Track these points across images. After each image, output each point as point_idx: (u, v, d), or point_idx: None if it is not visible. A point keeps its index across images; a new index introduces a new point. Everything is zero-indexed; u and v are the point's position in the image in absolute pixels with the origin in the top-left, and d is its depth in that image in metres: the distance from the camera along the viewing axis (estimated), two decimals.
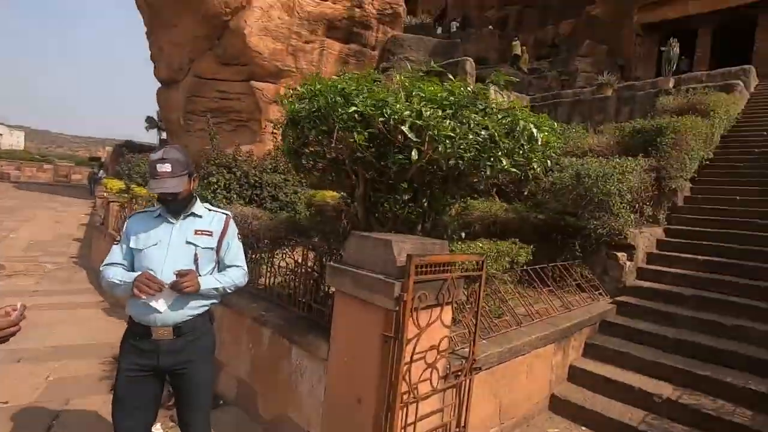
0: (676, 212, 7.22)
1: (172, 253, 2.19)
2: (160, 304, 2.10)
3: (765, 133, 9.43)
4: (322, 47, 18.83)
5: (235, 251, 2.41)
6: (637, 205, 6.44)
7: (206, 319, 2.34)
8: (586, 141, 8.73)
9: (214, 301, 2.35)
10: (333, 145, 2.96)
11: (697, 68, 18.41)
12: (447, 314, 2.90)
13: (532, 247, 5.10)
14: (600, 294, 5.61)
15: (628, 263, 5.83)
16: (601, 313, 5.19)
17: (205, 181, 5.72)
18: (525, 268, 4.97)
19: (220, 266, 2.39)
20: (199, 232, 2.28)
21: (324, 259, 3.78)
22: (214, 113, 18.21)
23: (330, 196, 8.24)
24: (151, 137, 37.17)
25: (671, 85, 11.98)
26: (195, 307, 2.23)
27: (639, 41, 20.02)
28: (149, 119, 34.05)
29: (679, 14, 18.58)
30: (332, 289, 3.09)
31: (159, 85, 20.19)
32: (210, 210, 2.43)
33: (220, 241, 2.34)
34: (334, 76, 3.21)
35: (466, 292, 3.39)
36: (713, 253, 5.93)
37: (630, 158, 6.43)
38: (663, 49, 14.52)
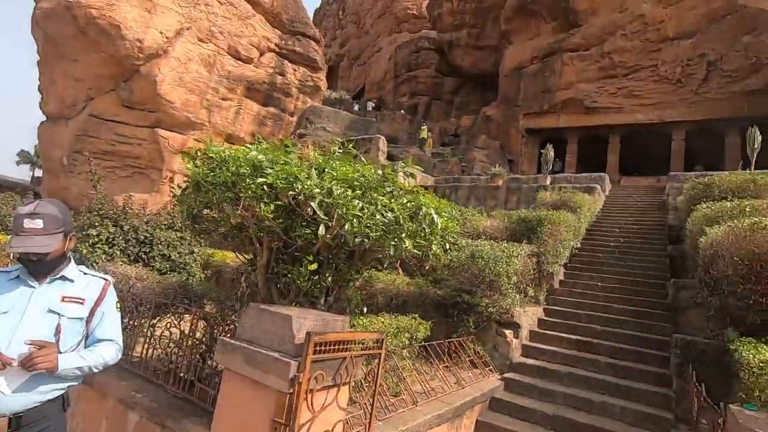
0: (553, 294, 8.11)
1: (26, 324, 1.83)
2: (1, 385, 1.71)
3: (617, 230, 11.34)
4: (240, 106, 18.83)
5: (109, 323, 2.09)
6: (521, 286, 7.12)
7: (59, 405, 1.94)
8: (481, 223, 9.61)
9: (73, 383, 1.98)
10: (239, 212, 2.88)
11: (568, 170, 21.98)
12: (344, 395, 2.80)
13: (430, 322, 5.31)
14: (490, 370, 5.90)
15: (514, 341, 6.29)
16: (491, 390, 5.42)
17: (83, 233, 5.05)
18: (423, 344, 5.11)
19: (89, 340, 2.05)
20: (68, 299, 1.96)
21: (216, 331, 3.47)
22: (107, 156, 16.70)
23: (231, 257, 7.79)
24: (21, 173, 32.39)
25: (548, 182, 14.02)
26: (47, 391, 1.84)
27: (524, 141, 23.45)
28: (23, 153, 29.88)
29: (552, 125, 22.38)
30: (221, 365, 2.82)
31: (43, 118, 18.09)
32: (86, 274, 2.12)
33: (92, 311, 2.03)
34: (247, 145, 3.21)
35: (364, 370, 3.34)
36: (582, 333, 6.70)
37: (516, 243, 7.21)
38: (542, 151, 17.20)
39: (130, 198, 5.79)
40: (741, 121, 18.33)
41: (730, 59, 17.91)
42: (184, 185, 3.48)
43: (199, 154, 3.14)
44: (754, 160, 12.21)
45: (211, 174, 2.85)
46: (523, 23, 24.43)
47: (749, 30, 17.12)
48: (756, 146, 11.89)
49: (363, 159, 4.22)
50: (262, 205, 2.74)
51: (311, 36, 21.51)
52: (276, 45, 19.94)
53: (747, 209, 6.18)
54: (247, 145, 3.27)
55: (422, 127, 24.33)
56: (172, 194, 3.59)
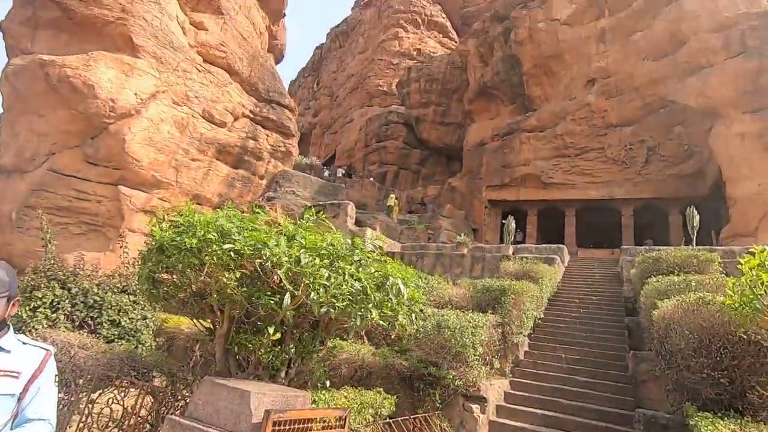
0: (518, 365, 8.04)
1: None
2: None
3: (577, 300, 11.65)
4: (209, 168, 18.83)
5: (44, 400, 1.87)
6: (487, 357, 7.04)
7: None
8: (446, 291, 9.65)
9: None
10: (202, 278, 2.80)
11: (528, 240, 22.87)
12: None
13: (396, 396, 5.09)
14: None
15: (481, 416, 6.08)
16: None
17: (26, 295, 4.68)
18: (388, 420, 4.85)
19: (17, 420, 1.83)
20: (1, 373, 1.78)
21: (164, 408, 3.19)
22: (62, 212, 15.96)
23: (186, 323, 7.34)
24: None
25: (511, 252, 14.48)
26: None
27: (487, 212, 24.46)
28: None
29: (513, 197, 23.63)
30: None
31: None
32: (24, 343, 1.94)
33: (27, 386, 1.83)
34: (216, 210, 3.20)
35: None
36: (549, 407, 6.59)
37: (481, 314, 7.24)
38: (503, 222, 17.95)
39: (82, 258, 5.48)
40: (681, 201, 20.05)
41: (666, 146, 19.99)
42: (144, 247, 3.37)
43: (166, 217, 3.10)
44: (695, 237, 13.19)
45: (178, 238, 2.79)
46: (484, 105, 26.61)
47: (680, 122, 19.36)
48: (695, 225, 12.92)
49: (331, 226, 4.27)
50: (227, 273, 2.68)
51: (286, 105, 22.40)
52: (251, 111, 20.56)
53: (693, 283, 6.59)
54: (216, 209, 3.27)
55: (390, 195, 25.03)
56: (125, 255, 3.45)
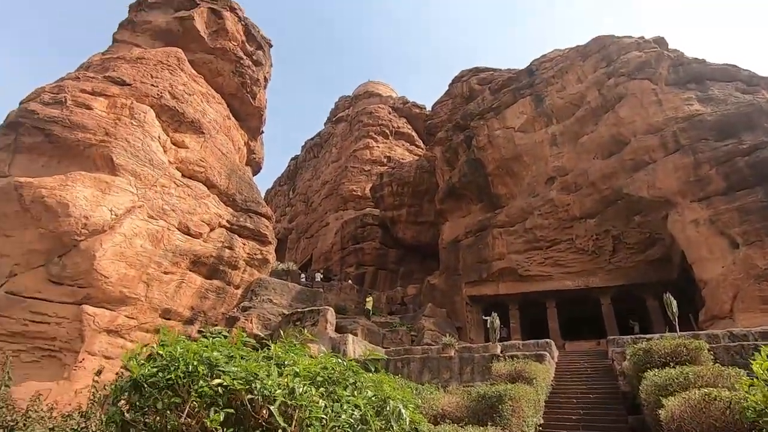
0: None
1: None
2: None
3: (574, 400, 11.05)
4: (182, 280, 18.22)
5: None
6: None
7: None
8: (439, 401, 9.01)
9: None
10: (182, 420, 2.50)
11: (513, 335, 22.32)
12: None
13: None
14: None
15: None
16: None
17: None
18: None
19: None
20: None
21: None
22: (14, 338, 14.68)
23: None
24: None
25: (499, 351, 13.99)
26: None
27: (469, 309, 24.12)
28: None
29: (493, 292, 23.61)
30: None
31: None
32: None
33: None
34: (200, 338, 2.99)
35: None
36: None
37: (481, 427, 6.68)
38: (486, 318, 17.64)
39: (38, 398, 4.86)
40: (654, 285, 20.52)
41: (630, 234, 21.06)
42: (106, 371, 3.03)
43: (143, 350, 2.86)
44: (677, 323, 13.25)
45: (158, 374, 2.54)
46: (455, 204, 27.92)
47: (637, 211, 20.71)
48: (675, 311, 13.06)
49: (309, 335, 4.13)
50: (212, 412, 2.41)
51: (263, 213, 22.78)
52: (227, 221, 20.71)
53: (690, 376, 6.43)
54: (200, 338, 3.05)
55: (368, 298, 24.59)
56: (92, 389, 3.10)
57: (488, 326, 16.81)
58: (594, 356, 15.77)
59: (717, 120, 18.60)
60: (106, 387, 3.07)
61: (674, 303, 13.24)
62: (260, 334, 17.55)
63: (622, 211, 21.11)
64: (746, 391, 3.13)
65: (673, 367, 7.52)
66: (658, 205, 19.38)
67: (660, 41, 23.27)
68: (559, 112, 23.90)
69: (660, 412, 5.52)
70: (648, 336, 13.95)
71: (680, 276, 19.56)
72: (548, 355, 13.81)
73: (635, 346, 9.96)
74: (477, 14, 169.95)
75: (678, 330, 13.17)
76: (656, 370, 7.72)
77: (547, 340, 15.75)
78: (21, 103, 17.49)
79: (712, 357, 9.04)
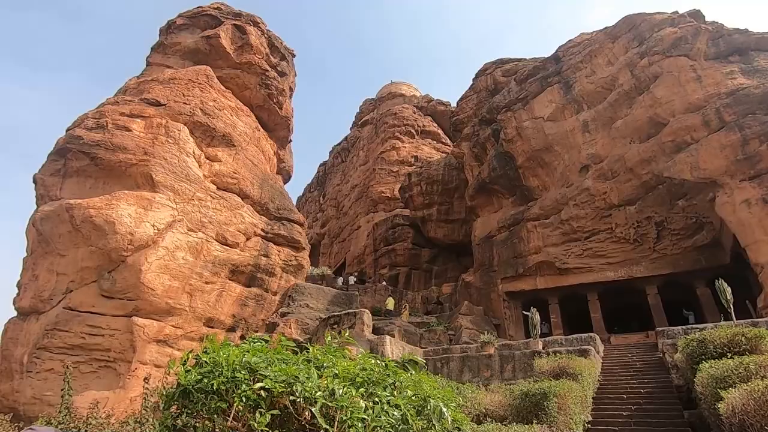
0: None
1: None
2: None
3: (624, 396, 10.60)
4: (223, 289, 18.84)
5: None
6: None
7: None
8: (481, 400, 8.88)
9: None
10: (229, 423, 2.58)
11: (555, 331, 21.69)
12: None
13: None
14: None
15: None
16: None
17: None
18: None
19: None
20: None
21: None
22: (74, 351, 15.63)
23: None
24: None
25: (541, 347, 13.63)
26: None
27: (506, 305, 23.63)
28: None
29: (531, 287, 23.02)
30: None
31: (12, 314, 17.39)
32: None
33: None
34: (241, 344, 3.08)
35: None
36: None
37: (526, 425, 6.53)
38: (526, 313, 17.22)
39: (96, 406, 5.15)
40: (705, 272, 19.41)
41: (674, 220, 20.01)
42: (157, 381, 3.17)
43: (189, 357, 2.97)
44: (733, 311, 12.48)
45: (204, 380, 2.64)
46: (486, 199, 27.46)
47: (681, 196, 19.67)
48: (729, 297, 12.31)
49: (348, 338, 4.13)
50: (257, 415, 2.47)
51: (295, 220, 23.23)
52: (262, 230, 21.26)
53: (752, 366, 6.02)
54: (241, 344, 3.15)
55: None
56: (144, 397, 3.24)
57: (529, 323, 16.42)
58: (643, 349, 15.09)
59: (765, 92, 17.41)
60: (156, 394, 3.20)
61: (728, 289, 12.47)
62: (299, 338, 17.88)
63: (664, 196, 20.11)
64: None
65: (731, 357, 7.08)
66: (704, 187, 18.33)
67: (696, 15, 22.01)
68: (589, 97, 23.06)
69: (719, 405, 5.20)
70: (701, 326, 13.21)
71: (733, 261, 18.40)
72: (593, 349, 13.33)
73: (688, 336, 9.45)
74: (498, 6, 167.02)
75: (734, 318, 12.39)
76: (712, 361, 7.29)
77: (591, 334, 15.22)
78: (67, 130, 18.64)
79: None
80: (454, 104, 40.25)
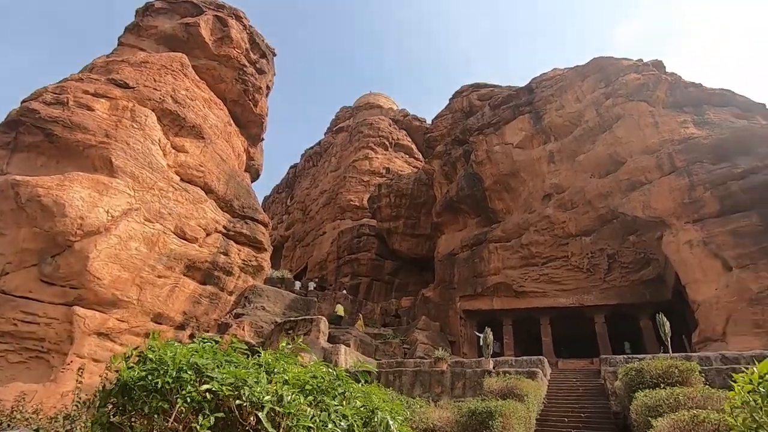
0: None
1: None
2: None
3: (566, 419, 10.99)
4: (176, 284, 18.10)
5: None
6: None
7: None
8: (430, 415, 8.94)
9: None
10: (169, 425, 2.49)
11: (506, 351, 22.22)
12: None
13: None
14: None
15: None
16: None
17: None
18: None
19: None
20: None
21: None
22: (3, 338, 14.50)
23: None
24: None
25: (491, 366, 13.92)
26: None
27: (462, 323, 24.02)
28: None
29: (487, 307, 23.56)
30: None
31: None
32: None
33: None
34: (191, 344, 3.00)
35: None
36: None
37: None
38: (478, 334, 17.57)
39: (22, 399, 4.81)
40: (648, 306, 20.54)
41: (624, 254, 21.13)
42: (93, 377, 3.02)
43: (133, 353, 2.85)
44: (670, 344, 13.25)
45: (147, 377, 2.54)
46: (452, 217, 28.00)
47: (633, 231, 20.82)
48: (667, 332, 13.07)
49: (302, 344, 4.09)
50: (201, 417, 2.40)
51: (260, 220, 22.75)
52: (224, 227, 20.66)
53: (680, 398, 6.42)
54: (189, 343, 3.05)
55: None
56: (77, 390, 3.08)
57: (481, 342, 16.75)
58: (587, 375, 15.70)
59: (712, 143, 18.84)
60: (92, 390, 3.05)
61: (667, 324, 13.26)
62: (252, 341, 17.40)
63: (617, 230, 21.22)
64: (729, 414, 3.15)
65: (664, 388, 7.52)
66: (653, 226, 19.50)
67: (658, 64, 23.66)
68: (557, 130, 24.15)
69: None
70: (641, 356, 13.93)
71: (674, 297, 19.60)
72: (541, 372, 13.75)
73: (627, 365, 9.95)
74: (484, 28, 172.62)
75: (671, 351, 13.16)
76: (647, 390, 7.71)
77: (540, 357, 15.70)
78: (22, 102, 17.54)
79: (703, 379, 9.04)
80: (429, 121, 41.05)
